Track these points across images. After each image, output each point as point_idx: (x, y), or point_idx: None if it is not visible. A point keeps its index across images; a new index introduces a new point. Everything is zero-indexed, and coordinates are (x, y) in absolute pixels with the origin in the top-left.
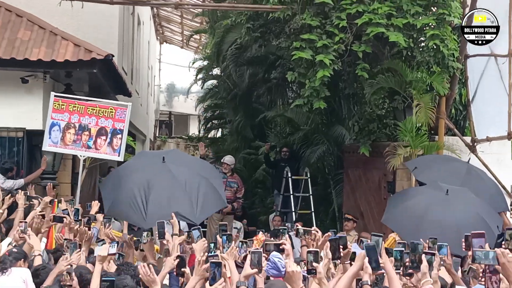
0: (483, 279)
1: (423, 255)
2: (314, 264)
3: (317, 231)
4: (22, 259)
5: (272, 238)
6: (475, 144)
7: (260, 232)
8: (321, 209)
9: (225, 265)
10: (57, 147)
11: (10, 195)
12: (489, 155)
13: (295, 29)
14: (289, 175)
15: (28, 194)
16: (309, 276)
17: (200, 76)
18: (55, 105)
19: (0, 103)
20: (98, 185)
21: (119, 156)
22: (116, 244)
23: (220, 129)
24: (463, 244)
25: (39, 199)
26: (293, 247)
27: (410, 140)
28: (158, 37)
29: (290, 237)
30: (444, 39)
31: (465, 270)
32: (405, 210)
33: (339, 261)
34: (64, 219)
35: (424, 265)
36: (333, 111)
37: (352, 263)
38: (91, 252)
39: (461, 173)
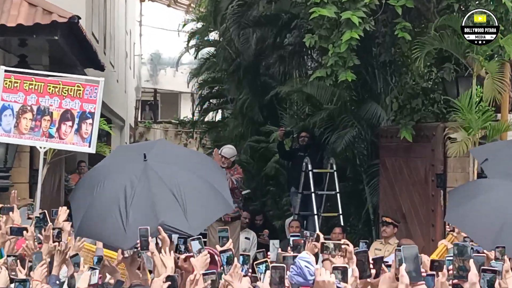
0: None
1: (471, 261)
2: (342, 284)
3: (348, 245)
4: None
5: (289, 251)
6: None
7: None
8: (352, 211)
9: None
10: (10, 136)
11: None
12: None
13: None
14: (310, 167)
15: None
16: None
17: (192, 42)
18: (6, 83)
19: None
20: (66, 189)
21: (89, 146)
22: (97, 272)
23: (220, 111)
24: None
25: None
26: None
27: (470, 119)
28: None
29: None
30: None
31: None
32: (478, 208)
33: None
34: (24, 231)
35: (473, 274)
36: (364, 85)
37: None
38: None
39: None
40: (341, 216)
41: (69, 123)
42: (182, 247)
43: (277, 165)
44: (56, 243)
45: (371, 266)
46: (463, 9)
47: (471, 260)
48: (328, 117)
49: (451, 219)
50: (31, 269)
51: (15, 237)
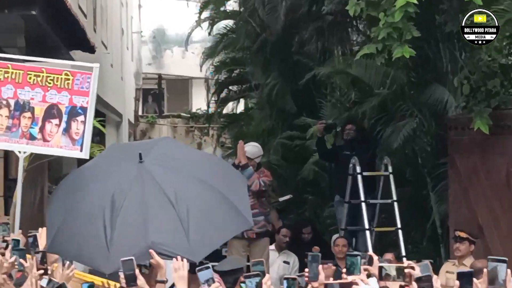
0: None
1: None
2: None
3: (413, 268)
4: None
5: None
6: None
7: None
8: (413, 224)
9: None
10: None
11: None
12: None
13: None
14: (358, 170)
15: None
16: None
17: (205, 14)
18: None
19: None
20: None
21: (81, 150)
22: None
23: (242, 100)
24: None
25: None
26: None
27: None
28: None
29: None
30: None
31: None
32: None
33: None
34: None
35: None
36: (426, 63)
37: None
38: None
39: None
40: (399, 231)
41: (56, 121)
42: None
43: (317, 167)
44: (41, 271)
45: None
46: None
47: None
48: (381, 105)
49: None
50: None
51: None
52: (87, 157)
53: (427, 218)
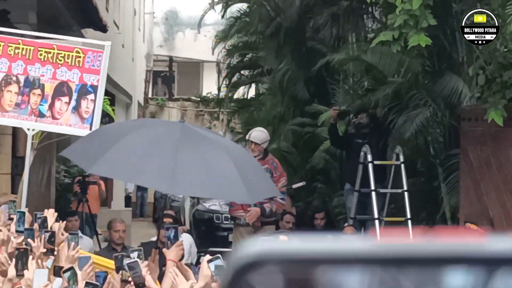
0: None
1: None
2: None
3: None
4: None
5: None
6: None
7: None
8: (424, 215)
9: None
10: None
11: None
12: None
13: None
14: (370, 158)
15: None
16: None
17: None
18: None
19: None
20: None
21: (91, 129)
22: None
23: (253, 85)
24: None
25: None
26: None
27: None
28: None
29: None
30: None
31: None
32: None
33: None
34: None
35: None
36: (442, 52)
37: None
38: None
39: None
40: (409, 221)
41: (65, 98)
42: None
43: (327, 155)
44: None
45: None
46: None
47: None
48: (394, 94)
49: None
50: None
51: None
52: None
53: (437, 209)
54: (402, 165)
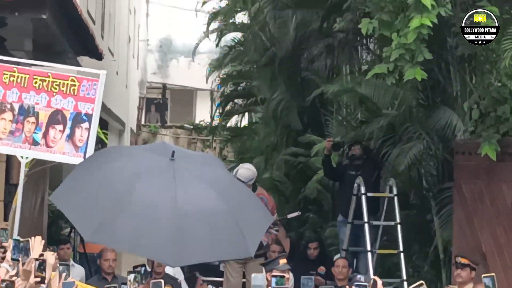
0: None
1: None
2: None
3: None
4: None
5: None
6: None
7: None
8: (416, 248)
9: None
10: None
11: None
12: None
13: None
14: (363, 190)
15: None
16: None
17: (214, 26)
18: None
19: None
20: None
21: (84, 157)
22: None
23: (247, 114)
24: None
25: None
26: None
27: None
28: None
29: None
30: None
31: None
32: None
33: None
34: None
35: None
36: (436, 86)
37: None
38: None
39: None
40: (401, 254)
41: (59, 127)
42: None
43: (320, 185)
44: (38, 279)
45: None
46: None
47: None
48: (388, 126)
49: None
50: None
51: None
52: None
53: (430, 242)
54: (395, 198)
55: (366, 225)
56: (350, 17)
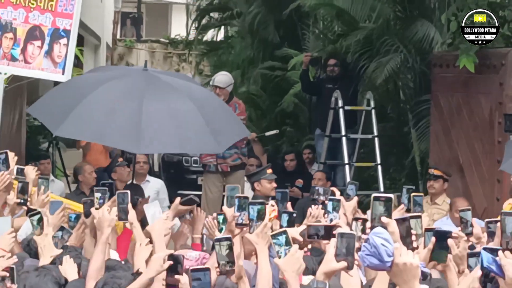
0: None
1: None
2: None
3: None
4: None
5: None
6: None
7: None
8: (393, 160)
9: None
10: None
11: None
12: None
13: None
14: (340, 104)
15: None
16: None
17: None
18: None
19: None
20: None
21: (63, 74)
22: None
23: (223, 28)
24: None
25: None
26: None
27: None
28: None
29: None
30: None
31: None
32: None
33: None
34: None
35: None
36: None
37: None
38: None
39: None
40: (379, 167)
41: (38, 42)
42: None
43: (297, 99)
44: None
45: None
46: None
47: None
48: (366, 40)
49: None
50: None
51: None
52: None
53: (407, 155)
54: (373, 111)
55: (344, 138)
56: None
